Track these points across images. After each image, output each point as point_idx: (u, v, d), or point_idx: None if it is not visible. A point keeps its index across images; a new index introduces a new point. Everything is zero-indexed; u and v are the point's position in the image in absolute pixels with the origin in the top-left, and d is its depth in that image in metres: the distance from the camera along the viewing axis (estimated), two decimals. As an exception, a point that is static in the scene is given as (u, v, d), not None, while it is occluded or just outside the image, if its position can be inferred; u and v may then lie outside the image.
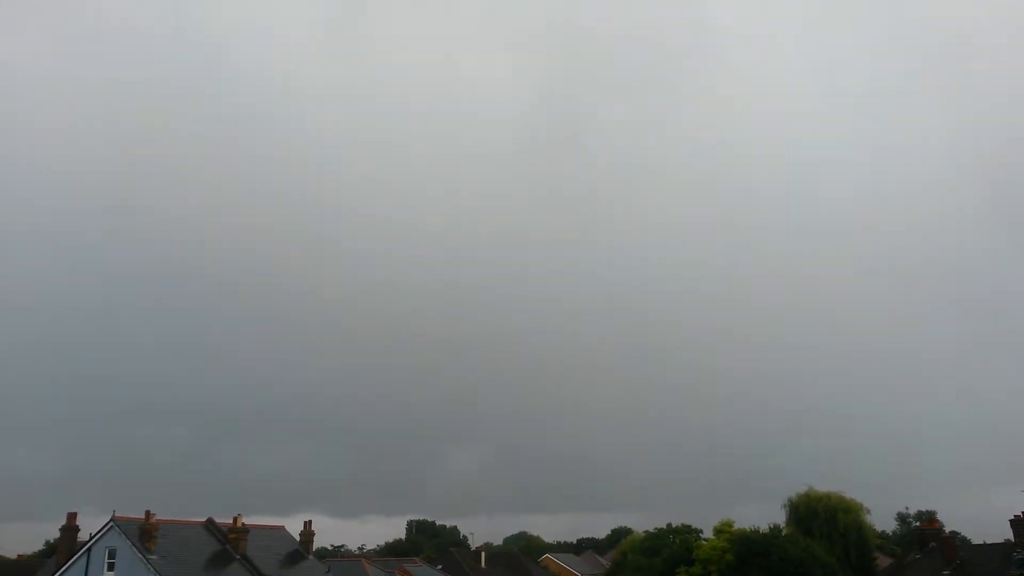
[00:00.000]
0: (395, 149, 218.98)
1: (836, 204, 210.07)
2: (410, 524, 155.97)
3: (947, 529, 54.55)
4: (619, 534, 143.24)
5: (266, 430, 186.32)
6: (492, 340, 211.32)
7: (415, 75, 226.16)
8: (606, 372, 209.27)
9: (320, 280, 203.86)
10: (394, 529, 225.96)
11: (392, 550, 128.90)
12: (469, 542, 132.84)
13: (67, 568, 44.41)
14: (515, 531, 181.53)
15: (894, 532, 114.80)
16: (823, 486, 70.25)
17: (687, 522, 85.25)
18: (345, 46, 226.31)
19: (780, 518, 70.66)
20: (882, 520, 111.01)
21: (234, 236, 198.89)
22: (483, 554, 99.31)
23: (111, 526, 44.25)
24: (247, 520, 52.14)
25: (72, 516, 47.71)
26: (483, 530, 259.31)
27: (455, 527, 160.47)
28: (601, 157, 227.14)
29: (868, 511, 68.95)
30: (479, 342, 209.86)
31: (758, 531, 65.86)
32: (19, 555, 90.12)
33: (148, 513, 44.67)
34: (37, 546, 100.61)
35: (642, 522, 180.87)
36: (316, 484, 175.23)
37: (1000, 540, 45.64)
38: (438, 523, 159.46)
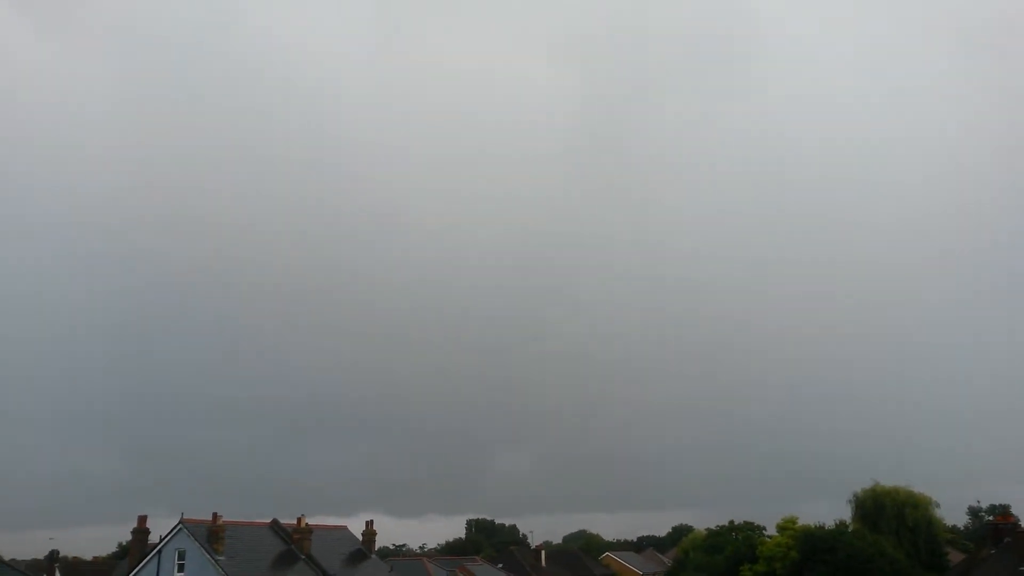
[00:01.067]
0: (442, 153, 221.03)
1: (889, 192, 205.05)
2: (469, 523, 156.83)
3: (1023, 523, 52.64)
4: (680, 532, 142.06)
5: (327, 433, 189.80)
6: (549, 340, 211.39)
7: (455, 81, 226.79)
8: (663, 368, 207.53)
9: (380, 284, 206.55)
10: (454, 528, 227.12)
11: (452, 549, 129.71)
12: (528, 540, 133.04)
13: (139, 569, 45.68)
14: (574, 529, 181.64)
15: (966, 527, 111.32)
16: (890, 480, 68.72)
17: (749, 519, 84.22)
18: (385, 54, 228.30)
19: (845, 514, 69.45)
20: (953, 514, 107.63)
21: (295, 241, 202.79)
22: (543, 552, 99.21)
23: (180, 528, 45.36)
24: (310, 521, 52.95)
25: (143, 519, 49.10)
26: (542, 528, 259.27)
27: (514, 526, 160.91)
28: (644, 155, 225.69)
29: (938, 505, 67.28)
30: (536, 343, 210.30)
31: (823, 527, 64.79)
32: (94, 557, 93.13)
33: (215, 515, 45.67)
34: (110, 548, 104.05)
35: (703, 519, 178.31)
36: (377, 485, 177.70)
37: (1080, 534, 43.95)
38: (497, 522, 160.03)
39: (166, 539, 45.82)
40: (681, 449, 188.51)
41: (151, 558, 45.64)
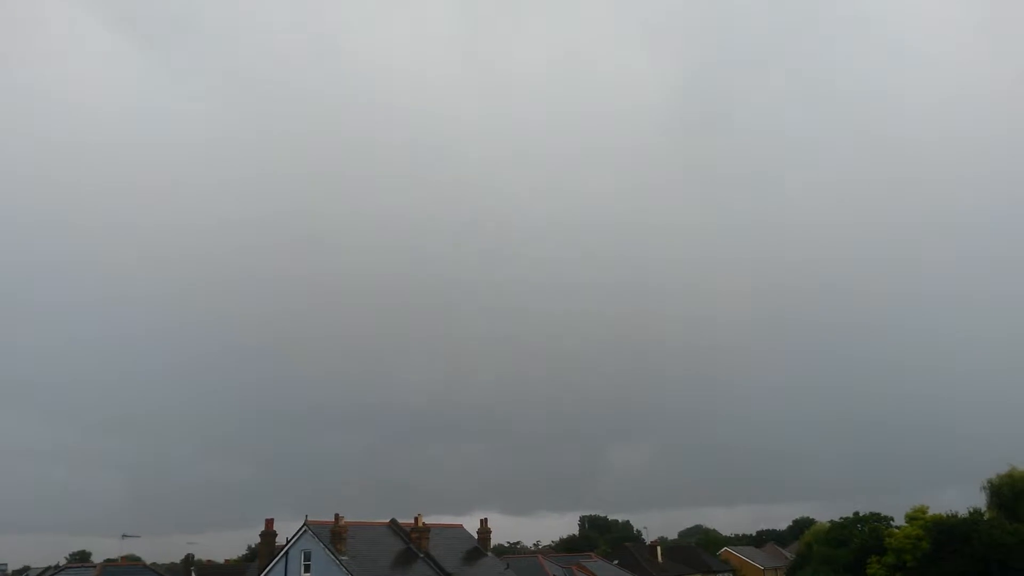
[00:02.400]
0: (547, 152, 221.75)
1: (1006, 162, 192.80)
2: (582, 519, 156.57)
3: None
4: (801, 525, 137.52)
5: (442, 435, 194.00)
6: (661, 334, 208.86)
7: (553, 72, 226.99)
8: (777, 356, 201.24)
9: (483, 289, 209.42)
10: (567, 525, 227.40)
11: (566, 545, 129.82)
12: (643, 536, 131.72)
13: (268, 570, 47.61)
14: (689, 524, 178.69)
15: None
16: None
17: (875, 510, 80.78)
18: (478, 60, 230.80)
19: (978, 502, 65.90)
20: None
21: (396, 257, 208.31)
22: (659, 548, 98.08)
23: (305, 530, 47.00)
24: (427, 520, 53.96)
25: (270, 522, 51.10)
26: (656, 524, 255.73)
27: (628, 521, 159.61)
28: (749, 132, 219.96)
29: (1083, 490, 62.93)
30: (648, 337, 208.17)
31: (956, 516, 61.73)
32: (226, 560, 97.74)
33: (337, 516, 47.10)
34: (241, 551, 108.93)
35: (824, 512, 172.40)
36: (490, 483, 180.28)
37: None
38: (610, 518, 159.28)
39: (292, 540, 47.54)
40: (801, 440, 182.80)
41: (279, 559, 47.48)
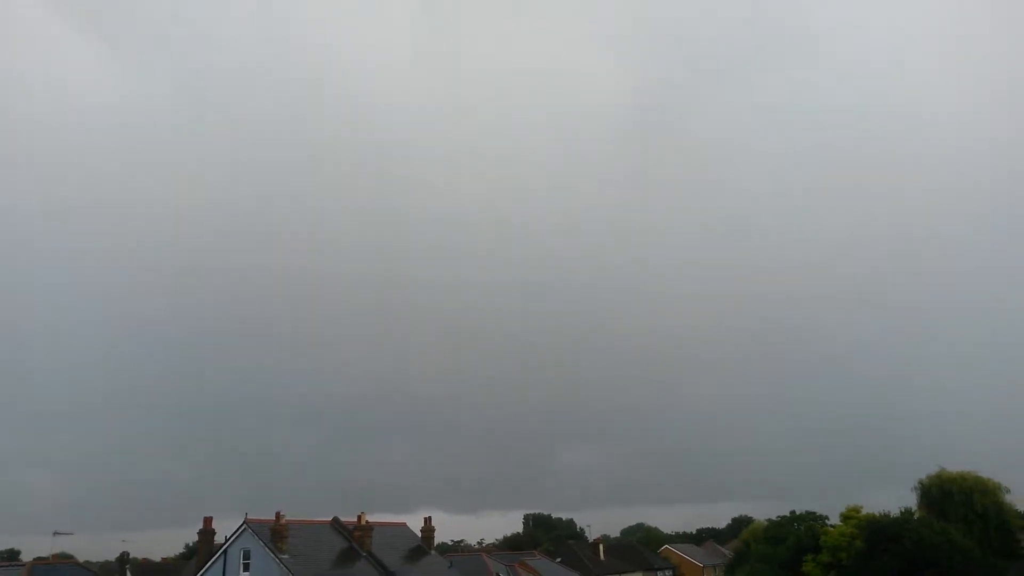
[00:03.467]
0: (503, 152, 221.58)
1: (955, 162, 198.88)
2: (527, 518, 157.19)
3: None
4: (740, 523, 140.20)
5: (385, 432, 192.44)
6: (605, 336, 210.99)
7: (512, 75, 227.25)
8: (718, 360, 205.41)
9: (433, 287, 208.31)
10: (511, 523, 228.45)
11: (510, 544, 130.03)
12: (586, 534, 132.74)
13: (206, 569, 46.78)
14: (632, 523, 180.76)
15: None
16: (957, 465, 66.91)
17: (811, 509, 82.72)
18: (438, 55, 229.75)
19: (911, 502, 67.83)
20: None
21: (359, 249, 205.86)
22: (601, 546, 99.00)
23: (244, 528, 46.29)
24: (370, 518, 53.62)
25: (208, 520, 50.22)
26: (599, 523, 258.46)
27: (571, 520, 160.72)
28: (703, 140, 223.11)
29: (1008, 490, 65.17)
30: (592, 339, 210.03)
31: (888, 516, 63.41)
32: (163, 558, 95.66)
33: (278, 514, 46.48)
34: (179, 549, 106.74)
35: (763, 510, 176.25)
36: (434, 482, 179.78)
37: None
38: (554, 516, 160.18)
39: (231, 539, 46.80)
40: (740, 440, 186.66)
41: (217, 558, 46.69)
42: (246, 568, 45.59)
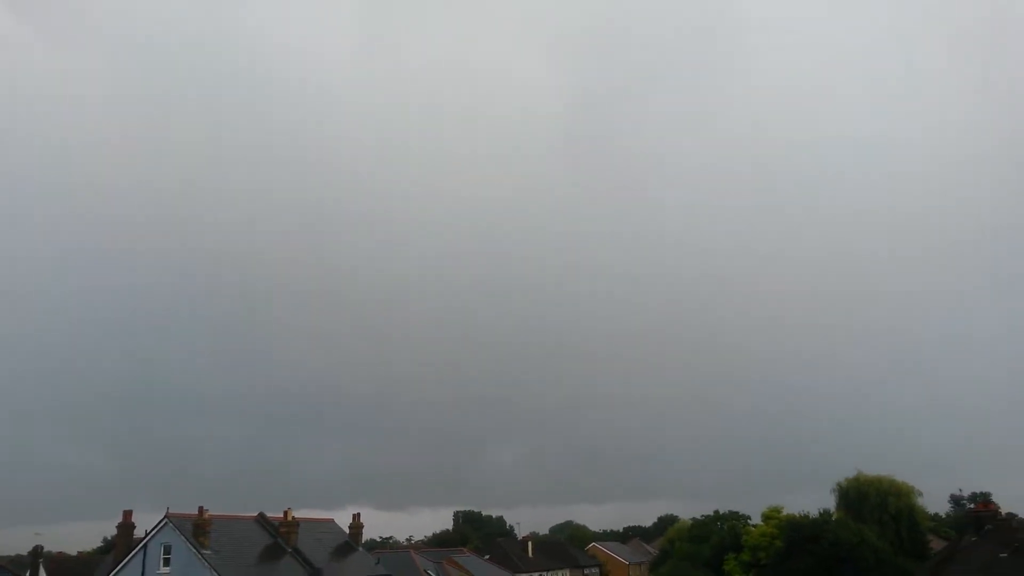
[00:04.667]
0: (437, 150, 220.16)
1: (875, 186, 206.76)
2: (457, 515, 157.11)
3: (1003, 511, 53.16)
4: (666, 522, 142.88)
5: (313, 427, 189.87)
6: (535, 336, 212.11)
7: (451, 77, 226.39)
8: (649, 363, 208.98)
9: (369, 281, 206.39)
10: (441, 520, 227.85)
11: (439, 541, 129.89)
12: (515, 532, 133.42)
13: (125, 564, 45.45)
14: (561, 520, 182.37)
15: (948, 515, 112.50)
16: (873, 469, 69.43)
17: (735, 509, 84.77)
18: (380, 48, 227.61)
19: (830, 503, 70.00)
20: (935, 503, 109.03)
21: (277, 239, 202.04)
22: (530, 543, 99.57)
23: (165, 523, 45.15)
24: (297, 514, 52.90)
25: (128, 514, 48.78)
26: (529, 520, 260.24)
27: (501, 517, 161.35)
28: (635, 151, 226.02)
29: (920, 494, 67.98)
30: (522, 338, 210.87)
31: (807, 517, 65.25)
32: (79, 552, 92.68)
33: (201, 509, 45.47)
34: (96, 543, 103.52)
35: (689, 509, 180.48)
36: (363, 478, 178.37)
37: (1060, 521, 44.48)
38: (484, 513, 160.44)
39: (151, 533, 45.60)
40: (667, 441, 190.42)
41: (136, 553, 45.43)
42: (166, 563, 44.46)
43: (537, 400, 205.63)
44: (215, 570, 42.63)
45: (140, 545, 45.68)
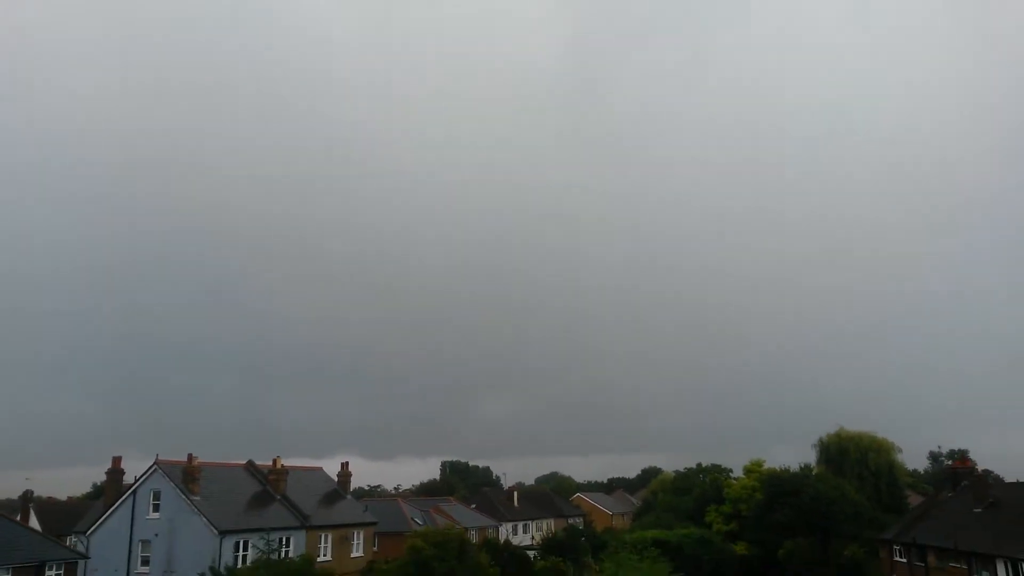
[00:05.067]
0: (428, 99, 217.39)
1: (866, 144, 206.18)
2: (444, 465, 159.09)
3: (980, 467, 54.27)
4: (649, 474, 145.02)
5: (305, 377, 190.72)
6: (525, 289, 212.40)
7: (444, 19, 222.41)
8: (635, 318, 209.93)
9: (358, 234, 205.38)
10: (428, 470, 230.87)
11: (426, 490, 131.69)
12: (502, 482, 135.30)
13: (115, 510, 45.97)
14: (547, 471, 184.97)
15: (926, 471, 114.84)
16: (855, 426, 70.42)
17: (717, 462, 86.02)
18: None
19: (811, 458, 71.05)
20: (914, 459, 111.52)
21: (274, 191, 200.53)
22: (515, 493, 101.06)
23: (155, 469, 45.55)
24: (286, 462, 53.44)
25: (117, 460, 49.22)
26: (515, 471, 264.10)
27: (488, 467, 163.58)
28: (630, 100, 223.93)
29: (900, 450, 69.19)
30: (512, 292, 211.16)
31: (788, 471, 66.28)
32: (69, 497, 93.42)
33: (190, 456, 45.89)
34: (86, 489, 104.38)
35: (673, 462, 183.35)
36: (353, 428, 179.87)
37: (1033, 478, 45.50)
38: (471, 464, 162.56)
39: (141, 480, 46.02)
40: (653, 396, 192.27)
41: (126, 498, 45.91)
42: (156, 509, 44.98)
43: (526, 354, 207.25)
44: (204, 516, 43.18)
45: (130, 491, 46.13)
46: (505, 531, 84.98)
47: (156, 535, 44.33)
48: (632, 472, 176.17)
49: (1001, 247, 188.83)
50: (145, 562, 44.31)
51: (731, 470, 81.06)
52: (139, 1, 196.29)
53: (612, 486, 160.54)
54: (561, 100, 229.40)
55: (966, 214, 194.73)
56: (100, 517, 46.70)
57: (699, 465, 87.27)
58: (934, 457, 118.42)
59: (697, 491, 73.29)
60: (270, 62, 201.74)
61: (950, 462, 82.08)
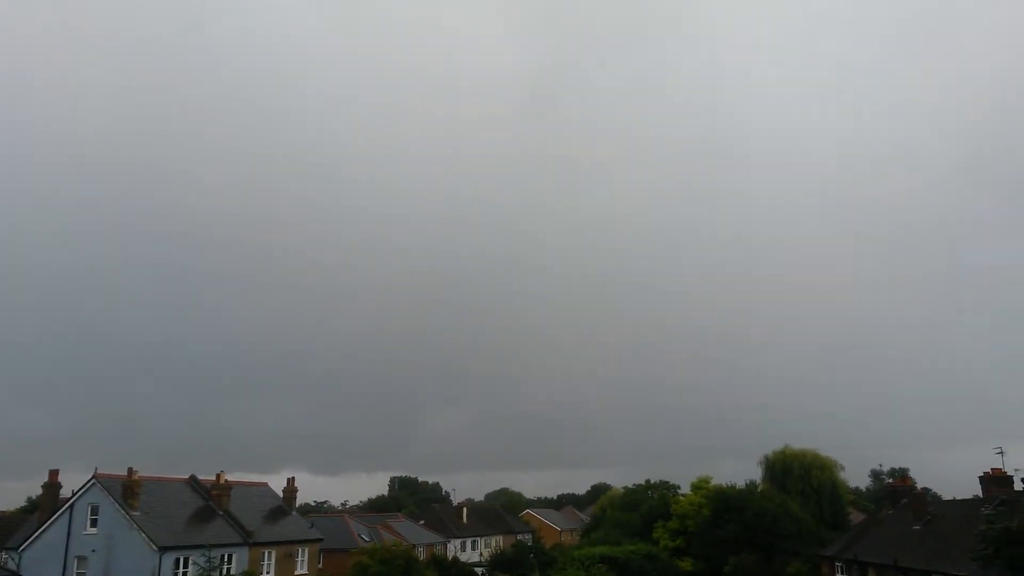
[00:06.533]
0: (386, 109, 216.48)
1: (820, 168, 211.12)
2: (393, 480, 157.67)
3: (919, 485, 55.67)
4: (599, 490, 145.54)
5: (250, 389, 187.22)
6: (477, 302, 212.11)
7: (405, 34, 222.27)
8: (587, 335, 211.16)
9: (308, 240, 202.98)
10: (377, 485, 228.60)
11: (375, 506, 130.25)
12: (451, 498, 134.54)
13: (50, 524, 44.64)
14: (497, 487, 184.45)
15: (867, 488, 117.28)
16: (800, 444, 71.66)
17: (665, 478, 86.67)
18: (336, 6, 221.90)
19: (757, 475, 72.04)
20: (856, 477, 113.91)
21: (223, 195, 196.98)
22: (465, 509, 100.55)
23: (93, 483, 44.41)
24: (230, 477, 52.52)
25: (54, 473, 47.88)
26: (466, 486, 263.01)
27: (437, 483, 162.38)
28: (591, 119, 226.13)
29: (842, 468, 70.52)
30: (464, 304, 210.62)
31: (734, 487, 67.10)
32: (1, 511, 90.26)
33: (131, 470, 44.84)
34: (19, 503, 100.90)
35: (623, 478, 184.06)
36: (300, 442, 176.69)
37: (969, 496, 46.65)
38: (420, 479, 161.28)
39: (79, 493, 44.83)
40: (606, 412, 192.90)
41: (62, 513, 44.65)
42: (93, 524, 43.82)
43: (477, 368, 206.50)
44: (143, 531, 42.16)
45: (67, 505, 44.90)
46: (454, 547, 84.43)
47: (93, 551, 43.14)
48: (582, 488, 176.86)
49: (938, 275, 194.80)
50: (80, 579, 43.08)
51: (679, 486, 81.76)
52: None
53: (562, 502, 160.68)
54: (526, 117, 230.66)
55: (914, 241, 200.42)
56: (34, 532, 45.32)
57: (648, 481, 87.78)
58: (875, 475, 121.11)
59: (645, 507, 73.68)
60: (240, 69, 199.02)
61: (891, 480, 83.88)
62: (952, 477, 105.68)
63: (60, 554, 43.77)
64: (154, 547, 41.76)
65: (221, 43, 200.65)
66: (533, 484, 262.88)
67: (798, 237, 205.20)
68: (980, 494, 43.43)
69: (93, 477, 44.60)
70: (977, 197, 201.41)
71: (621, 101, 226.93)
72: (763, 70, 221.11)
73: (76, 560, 43.46)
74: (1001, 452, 45.00)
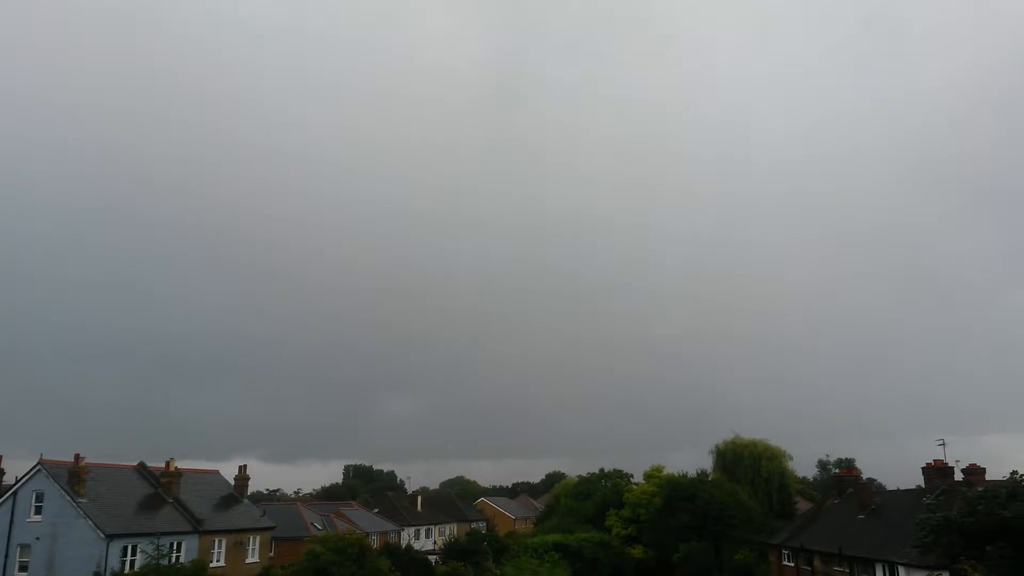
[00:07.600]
0: (347, 95, 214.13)
1: (769, 169, 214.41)
2: (347, 469, 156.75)
3: (864, 476, 57.19)
4: (553, 479, 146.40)
5: (201, 375, 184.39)
6: (431, 290, 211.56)
7: (364, 21, 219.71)
8: (542, 324, 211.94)
9: (257, 221, 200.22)
10: (331, 474, 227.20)
11: (328, 494, 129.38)
12: (406, 486, 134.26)
13: (-8, 512, 43.60)
14: (452, 476, 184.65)
15: (815, 478, 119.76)
16: (750, 434, 72.82)
17: (619, 468, 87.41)
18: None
19: (709, 464, 73.04)
20: (804, 467, 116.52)
21: (180, 171, 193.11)
22: (419, 498, 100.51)
23: (38, 469, 43.47)
24: (181, 465, 51.79)
25: (-3, 459, 46.77)
26: (420, 475, 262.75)
27: (392, 472, 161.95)
28: (544, 114, 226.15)
29: (791, 458, 71.87)
30: (419, 292, 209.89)
31: (686, 476, 67.95)
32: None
33: (77, 456, 43.97)
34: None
35: (577, 467, 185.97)
36: (253, 429, 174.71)
37: (912, 486, 47.93)
38: (375, 468, 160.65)
39: (22, 480, 43.84)
40: (560, 401, 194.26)
41: (5, 500, 43.63)
42: (38, 511, 42.89)
43: (433, 356, 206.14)
44: (90, 518, 41.41)
45: (9, 492, 43.88)
46: (408, 536, 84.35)
47: (37, 539, 42.24)
48: (537, 477, 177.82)
49: (894, 270, 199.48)
50: (24, 567, 42.19)
51: (632, 476, 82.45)
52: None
53: (516, 491, 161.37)
54: (482, 109, 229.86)
55: (864, 239, 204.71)
56: (-25, 520, 44.15)
57: (602, 470, 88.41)
58: (823, 465, 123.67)
59: (599, 496, 74.21)
60: (196, 49, 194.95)
61: (837, 470, 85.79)
62: (896, 467, 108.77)
63: (2, 542, 42.78)
64: (101, 535, 41.03)
65: (182, 27, 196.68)
66: (488, 473, 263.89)
67: (750, 234, 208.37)
68: (923, 484, 44.66)
69: (39, 463, 43.64)
70: (927, 197, 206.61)
71: (577, 96, 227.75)
72: (723, 70, 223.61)
73: (19, 548, 42.51)
74: (943, 444, 46.35)
